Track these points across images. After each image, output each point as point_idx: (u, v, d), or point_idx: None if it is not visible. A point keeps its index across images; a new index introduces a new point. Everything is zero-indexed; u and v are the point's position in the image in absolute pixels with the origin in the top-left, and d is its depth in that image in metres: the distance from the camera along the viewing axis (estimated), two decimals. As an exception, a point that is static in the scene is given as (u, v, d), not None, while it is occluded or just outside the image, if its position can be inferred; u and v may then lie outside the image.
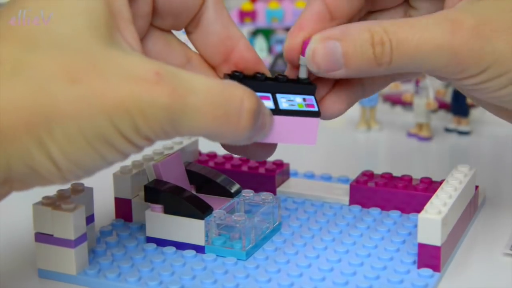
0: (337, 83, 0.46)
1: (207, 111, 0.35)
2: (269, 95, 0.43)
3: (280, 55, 0.88)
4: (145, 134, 0.35)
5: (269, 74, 0.44)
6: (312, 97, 0.44)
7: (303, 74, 0.44)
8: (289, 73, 0.45)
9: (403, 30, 0.40)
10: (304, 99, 0.43)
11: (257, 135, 0.39)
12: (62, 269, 0.43)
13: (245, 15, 0.88)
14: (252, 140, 0.39)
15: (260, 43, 0.90)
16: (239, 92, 0.37)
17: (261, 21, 0.89)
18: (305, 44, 0.43)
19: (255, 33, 0.92)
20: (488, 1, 0.41)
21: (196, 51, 0.45)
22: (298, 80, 0.44)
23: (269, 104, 0.42)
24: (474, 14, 0.40)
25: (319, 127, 0.43)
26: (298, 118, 0.43)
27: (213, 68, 0.44)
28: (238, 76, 0.42)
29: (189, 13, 0.43)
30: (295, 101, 0.43)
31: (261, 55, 0.89)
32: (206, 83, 0.36)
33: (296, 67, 0.44)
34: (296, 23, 0.44)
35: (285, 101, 0.43)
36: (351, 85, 0.46)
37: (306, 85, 0.44)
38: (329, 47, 0.41)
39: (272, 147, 0.44)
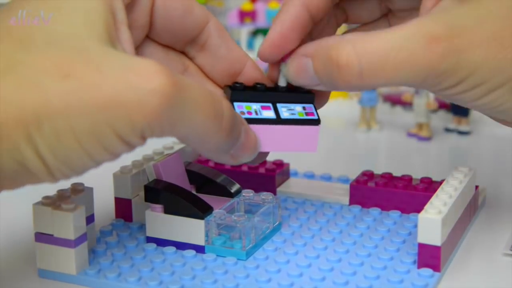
0: None
1: (203, 106, 0.35)
2: (270, 105, 0.44)
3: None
4: (140, 129, 0.34)
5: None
6: (311, 105, 0.45)
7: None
8: (270, 73, 0.45)
9: (375, 50, 0.38)
10: (303, 108, 0.44)
11: (235, 150, 0.39)
12: (62, 269, 0.43)
13: (245, 15, 0.88)
14: (232, 156, 0.39)
15: (260, 43, 0.90)
16: (220, 96, 0.37)
17: (261, 21, 0.89)
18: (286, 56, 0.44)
19: (255, 33, 0.92)
20: (463, 9, 0.39)
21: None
22: (297, 89, 0.44)
23: (271, 113, 0.43)
24: (450, 25, 0.39)
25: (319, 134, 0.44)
26: (299, 126, 0.43)
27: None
28: (239, 86, 0.43)
29: (187, 35, 0.44)
30: (295, 110, 0.44)
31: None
32: (197, 84, 0.36)
33: (275, 64, 0.45)
34: (275, 31, 0.43)
35: (285, 110, 0.44)
36: None
37: (305, 94, 0.44)
38: (301, 64, 0.41)
39: (265, 152, 0.45)
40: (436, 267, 0.43)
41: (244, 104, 0.43)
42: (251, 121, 0.42)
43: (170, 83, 0.33)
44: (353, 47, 0.38)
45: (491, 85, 0.39)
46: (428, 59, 0.38)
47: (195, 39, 0.44)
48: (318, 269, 0.43)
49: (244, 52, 0.45)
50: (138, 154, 0.53)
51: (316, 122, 0.44)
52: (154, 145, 0.56)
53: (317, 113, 0.45)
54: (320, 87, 0.42)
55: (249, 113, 0.43)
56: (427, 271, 0.42)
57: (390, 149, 0.74)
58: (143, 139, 0.35)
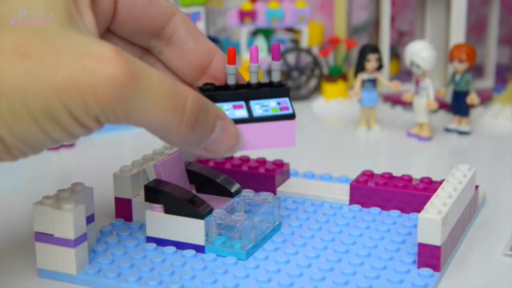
0: None
1: (160, 98, 0.35)
2: (243, 103, 0.43)
3: (280, 55, 0.88)
4: (94, 113, 0.34)
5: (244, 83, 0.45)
6: (286, 99, 0.44)
7: (275, 78, 0.44)
8: None
9: None
10: (278, 103, 0.44)
11: (209, 144, 0.39)
12: (62, 268, 0.43)
13: (245, 15, 0.88)
14: (206, 149, 0.40)
15: (260, 43, 0.90)
16: (186, 90, 0.37)
17: (261, 21, 0.89)
18: (274, 48, 0.44)
19: (255, 33, 0.92)
20: None
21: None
22: (271, 84, 0.44)
23: (243, 113, 0.43)
24: None
25: (296, 128, 0.44)
26: (273, 123, 0.43)
27: (190, 85, 0.45)
28: (209, 88, 0.43)
29: (151, 26, 0.43)
30: (269, 105, 0.43)
31: (261, 55, 0.89)
32: (159, 73, 0.36)
33: None
34: None
35: (259, 107, 0.43)
36: None
37: (279, 87, 0.44)
38: None
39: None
40: (436, 267, 0.43)
41: (216, 105, 0.42)
42: None
43: (125, 71, 0.34)
44: None
45: None
46: None
47: (161, 33, 0.44)
48: (318, 269, 0.43)
49: (212, 44, 0.45)
50: (138, 154, 0.54)
51: (291, 116, 0.43)
52: (154, 145, 0.56)
53: (292, 107, 0.44)
54: None
55: None
56: (427, 271, 0.43)
57: (390, 149, 0.74)
58: (99, 123, 0.35)
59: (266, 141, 0.43)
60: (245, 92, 0.43)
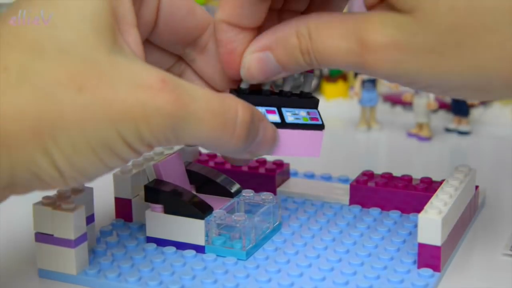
0: None
1: (208, 120, 0.36)
2: (275, 109, 0.44)
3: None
4: (148, 141, 0.35)
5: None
6: (315, 111, 0.45)
7: (307, 89, 0.44)
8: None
9: (322, 39, 0.39)
10: (308, 113, 0.44)
11: (253, 147, 0.40)
12: (62, 269, 0.44)
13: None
14: (250, 152, 0.40)
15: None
16: (234, 103, 0.38)
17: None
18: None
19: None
20: (403, 18, 0.38)
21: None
22: (301, 94, 0.44)
23: (276, 117, 0.43)
24: (386, 33, 0.38)
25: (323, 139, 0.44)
26: (303, 131, 0.43)
27: (219, 92, 0.44)
28: (244, 90, 0.43)
29: (188, 36, 0.43)
30: (300, 114, 0.44)
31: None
32: (206, 93, 0.37)
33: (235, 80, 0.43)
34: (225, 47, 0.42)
35: (290, 114, 0.44)
36: None
37: (309, 99, 0.45)
38: (262, 59, 0.41)
39: None
40: (436, 267, 0.43)
41: None
42: None
43: (173, 101, 0.35)
44: (309, 34, 0.40)
45: (434, 90, 0.40)
46: (362, 62, 0.39)
47: (196, 41, 0.44)
48: (318, 269, 0.43)
49: None
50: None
51: (320, 127, 0.44)
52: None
53: (321, 118, 0.45)
54: (278, 76, 0.42)
55: None
56: (427, 271, 0.43)
57: (390, 149, 0.74)
58: (151, 147, 0.36)
59: (293, 148, 0.44)
60: (277, 98, 0.44)
